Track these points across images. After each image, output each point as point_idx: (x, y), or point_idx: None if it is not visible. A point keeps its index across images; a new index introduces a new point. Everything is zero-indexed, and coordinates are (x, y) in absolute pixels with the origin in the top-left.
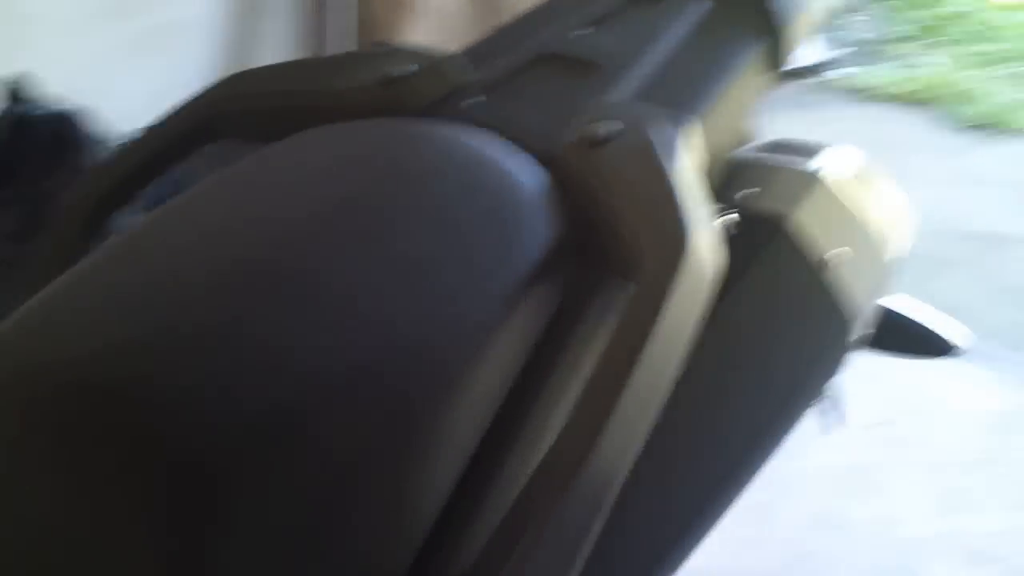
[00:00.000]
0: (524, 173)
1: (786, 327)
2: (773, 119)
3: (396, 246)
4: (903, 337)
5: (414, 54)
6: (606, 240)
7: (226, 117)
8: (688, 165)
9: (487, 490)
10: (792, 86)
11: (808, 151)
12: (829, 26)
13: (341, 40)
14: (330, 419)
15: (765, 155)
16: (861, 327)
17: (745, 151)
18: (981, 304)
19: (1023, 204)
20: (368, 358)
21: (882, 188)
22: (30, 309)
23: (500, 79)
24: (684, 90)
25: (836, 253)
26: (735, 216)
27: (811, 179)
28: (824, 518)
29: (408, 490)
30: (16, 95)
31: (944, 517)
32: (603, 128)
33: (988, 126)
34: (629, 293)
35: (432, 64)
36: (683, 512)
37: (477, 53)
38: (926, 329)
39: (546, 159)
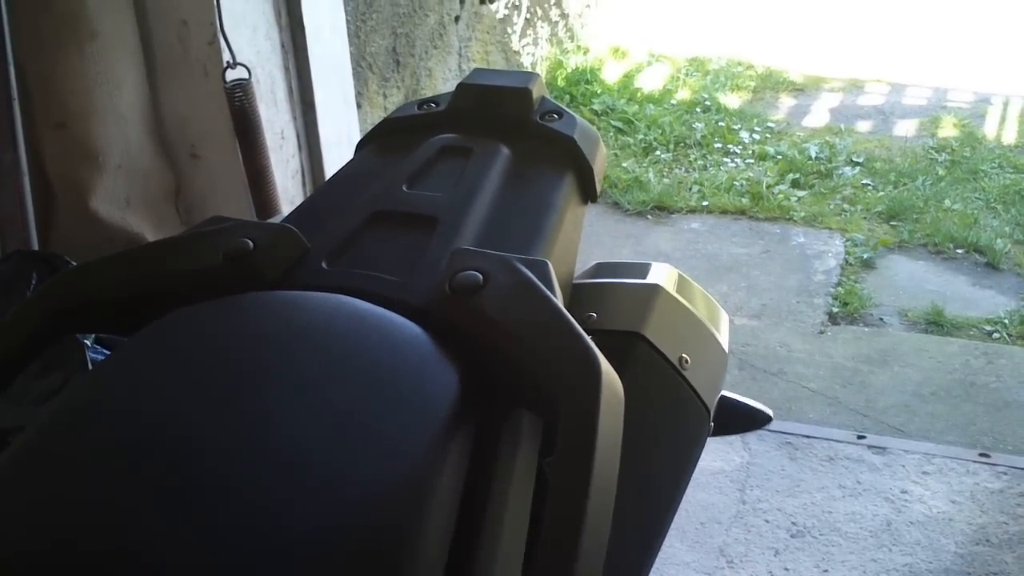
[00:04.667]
0: (408, 330)
1: (659, 426)
2: None
3: (343, 414)
4: (736, 417)
5: (249, 227)
6: (500, 374)
7: (74, 312)
8: (559, 297)
9: None
10: None
11: (638, 270)
12: None
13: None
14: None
15: (600, 279)
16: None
17: (580, 277)
18: None
19: (709, 273)
20: (353, 512)
21: (700, 293)
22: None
23: (342, 242)
24: (522, 231)
25: (688, 353)
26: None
27: (654, 291)
28: None
29: None
30: None
31: (716, 573)
32: (471, 276)
33: (656, 208)
34: (534, 418)
35: (272, 236)
36: None
37: (303, 220)
38: (750, 407)
39: (414, 313)
